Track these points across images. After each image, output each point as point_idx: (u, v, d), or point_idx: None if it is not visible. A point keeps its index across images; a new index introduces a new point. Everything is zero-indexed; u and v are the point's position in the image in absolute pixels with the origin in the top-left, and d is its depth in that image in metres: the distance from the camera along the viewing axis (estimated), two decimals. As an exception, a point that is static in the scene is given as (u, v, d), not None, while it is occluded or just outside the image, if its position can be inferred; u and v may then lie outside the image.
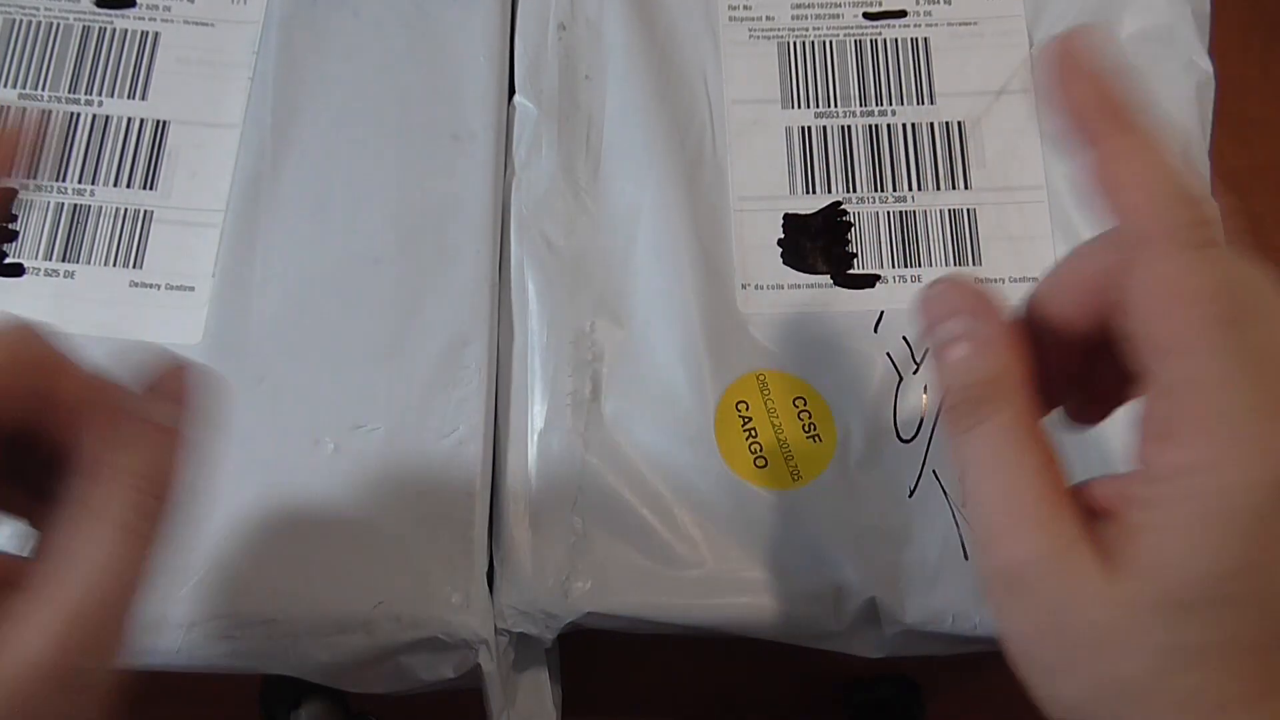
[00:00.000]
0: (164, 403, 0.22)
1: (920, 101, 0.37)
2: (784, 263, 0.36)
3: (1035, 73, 0.22)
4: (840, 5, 0.38)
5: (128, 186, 0.36)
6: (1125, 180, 0.20)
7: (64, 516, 0.20)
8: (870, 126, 0.37)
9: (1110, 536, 0.20)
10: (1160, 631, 0.19)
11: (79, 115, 0.36)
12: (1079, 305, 0.22)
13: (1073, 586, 0.20)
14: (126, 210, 0.36)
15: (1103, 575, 0.20)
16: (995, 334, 0.22)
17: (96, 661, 0.20)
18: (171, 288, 0.35)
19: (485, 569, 0.33)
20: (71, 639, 0.19)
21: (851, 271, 0.35)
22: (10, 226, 0.35)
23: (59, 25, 0.37)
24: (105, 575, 0.20)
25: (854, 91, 0.37)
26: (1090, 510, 0.21)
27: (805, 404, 0.34)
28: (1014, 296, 0.34)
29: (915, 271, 0.35)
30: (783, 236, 0.36)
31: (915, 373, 0.34)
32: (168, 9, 0.38)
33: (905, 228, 0.36)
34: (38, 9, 0.38)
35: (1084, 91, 0.21)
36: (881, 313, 0.35)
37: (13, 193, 0.35)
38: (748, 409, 0.34)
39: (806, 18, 0.38)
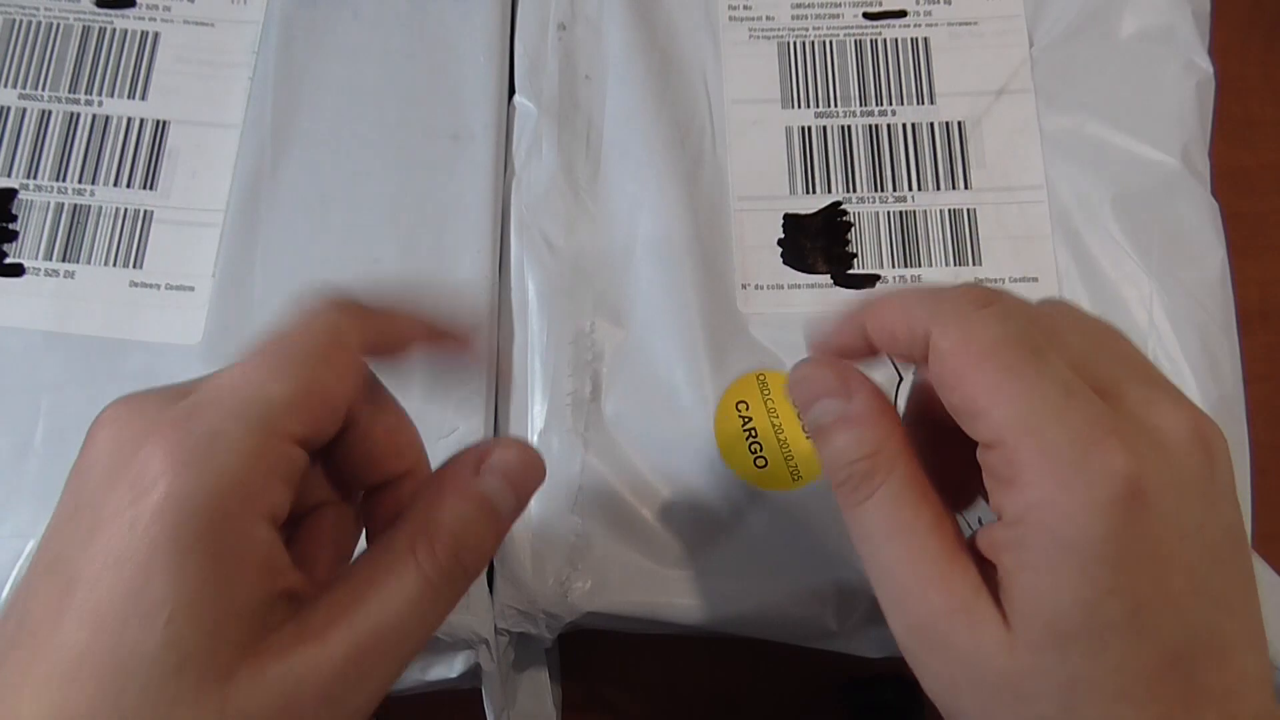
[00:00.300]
0: (500, 482, 0.23)
1: (920, 101, 0.37)
2: (784, 263, 0.36)
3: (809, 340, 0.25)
4: (840, 5, 0.38)
5: (128, 186, 0.36)
6: (884, 327, 0.23)
7: (376, 551, 0.21)
8: (870, 126, 0.37)
9: (999, 584, 0.20)
10: (1057, 669, 0.19)
11: (79, 115, 0.36)
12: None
13: (980, 638, 0.20)
14: (126, 210, 0.36)
15: (1001, 624, 0.20)
16: (867, 409, 0.23)
17: (362, 693, 0.20)
18: (171, 288, 0.35)
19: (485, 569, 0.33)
20: (350, 667, 0.20)
21: (851, 271, 0.35)
22: (10, 226, 0.35)
23: (59, 25, 0.37)
24: (399, 621, 0.21)
25: (854, 91, 0.37)
26: (982, 560, 0.21)
27: (805, 404, 0.34)
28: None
29: (915, 271, 0.35)
30: (783, 236, 0.36)
31: (915, 372, 0.34)
32: (168, 9, 0.38)
33: (905, 228, 0.36)
34: (38, 9, 0.38)
35: (833, 339, 0.24)
36: (881, 313, 0.35)
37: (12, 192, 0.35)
38: (748, 409, 0.33)
39: (806, 18, 0.38)
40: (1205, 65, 0.37)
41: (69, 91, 0.37)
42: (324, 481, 0.24)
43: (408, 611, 0.21)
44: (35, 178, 0.36)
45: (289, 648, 0.19)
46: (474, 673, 0.32)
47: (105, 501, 0.19)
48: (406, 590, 0.21)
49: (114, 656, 0.18)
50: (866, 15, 0.38)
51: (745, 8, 0.38)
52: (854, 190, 0.36)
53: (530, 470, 0.23)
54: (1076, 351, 0.21)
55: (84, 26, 0.37)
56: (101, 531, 0.19)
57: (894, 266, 0.35)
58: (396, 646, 0.21)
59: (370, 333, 0.22)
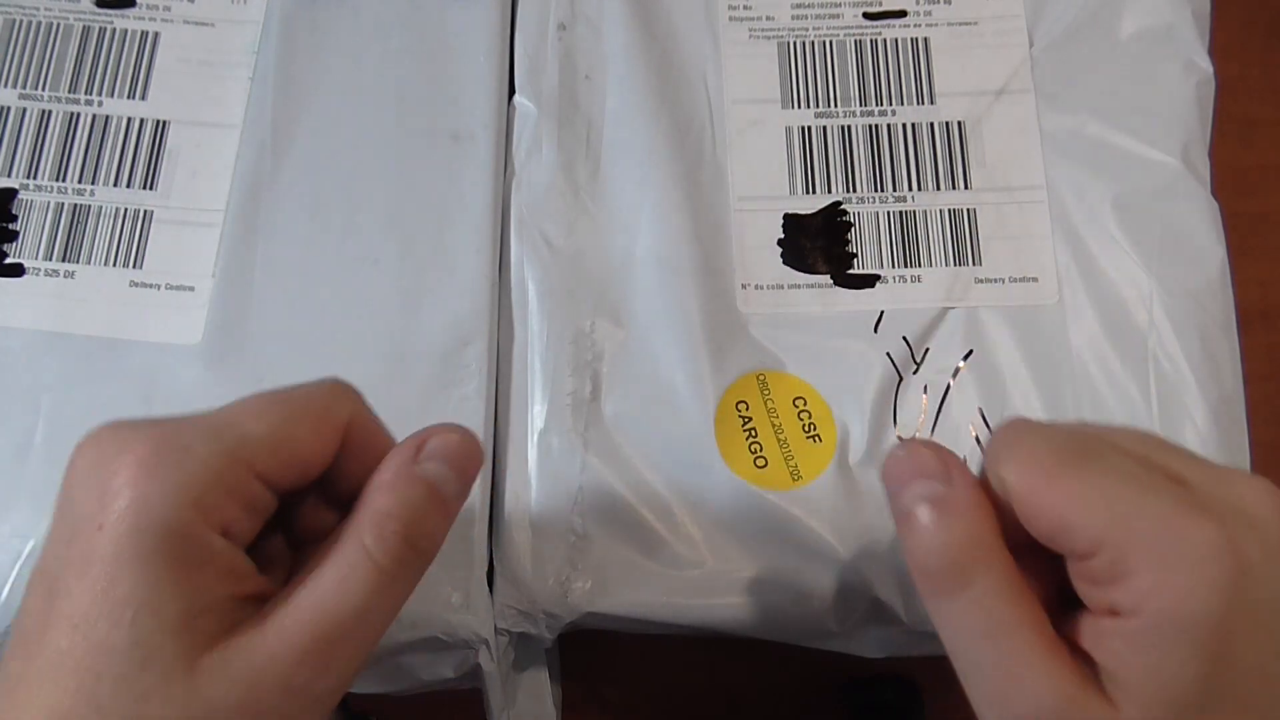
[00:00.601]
0: (442, 466, 0.23)
1: (920, 101, 0.37)
2: (784, 263, 0.36)
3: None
4: (840, 5, 0.38)
5: (128, 186, 0.36)
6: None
7: (330, 544, 0.22)
8: (870, 126, 0.37)
9: (1101, 671, 0.21)
10: None
11: (79, 115, 0.36)
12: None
13: None
14: (127, 210, 0.36)
15: (1111, 711, 0.20)
16: (967, 497, 0.22)
17: (324, 682, 0.21)
18: (171, 288, 0.35)
19: (485, 569, 0.33)
20: (309, 655, 0.21)
21: (851, 271, 0.35)
22: (10, 227, 0.35)
23: (59, 25, 0.37)
24: (353, 606, 0.21)
25: (854, 91, 0.37)
26: (1074, 648, 0.21)
27: (805, 404, 0.34)
28: (1015, 296, 0.35)
29: (915, 271, 0.35)
30: (783, 236, 0.36)
31: (915, 373, 0.34)
32: (168, 9, 0.38)
33: (905, 228, 0.36)
34: (38, 9, 0.38)
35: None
36: (881, 313, 0.35)
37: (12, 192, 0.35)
38: (748, 409, 0.34)
39: (806, 18, 0.38)
40: (1205, 65, 0.37)
41: (69, 91, 0.37)
42: (325, 510, 0.25)
43: (364, 600, 0.21)
44: (35, 178, 0.36)
45: (251, 642, 0.21)
46: (474, 673, 0.32)
47: (81, 510, 0.20)
48: (360, 579, 0.22)
49: (89, 654, 0.20)
50: (866, 15, 0.38)
51: (745, 8, 0.38)
52: (854, 190, 0.36)
53: (468, 451, 0.24)
54: (1131, 450, 0.22)
55: (84, 26, 0.37)
56: (77, 538, 0.20)
57: (894, 266, 0.35)
58: (356, 635, 0.22)
59: (357, 425, 0.24)
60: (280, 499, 0.23)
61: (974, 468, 0.27)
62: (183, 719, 0.20)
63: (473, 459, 0.24)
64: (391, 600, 0.22)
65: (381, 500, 0.23)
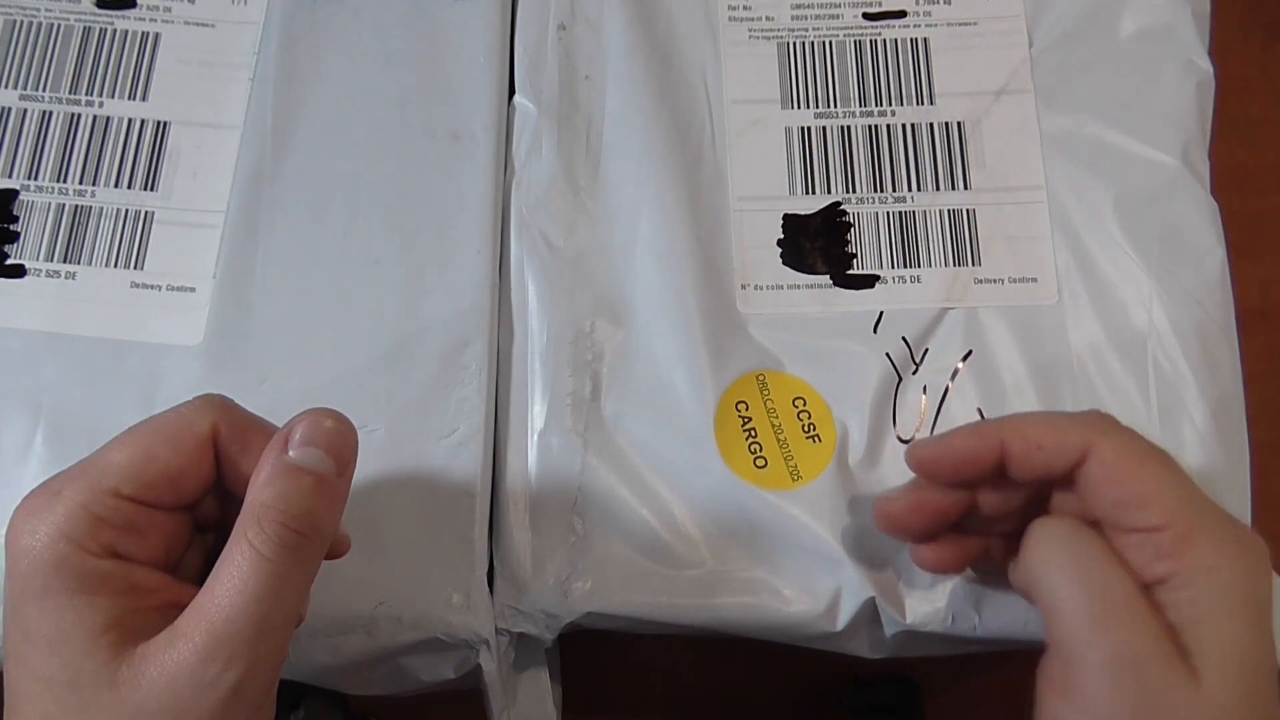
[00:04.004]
0: (307, 449, 0.25)
1: (920, 102, 0.37)
2: (784, 263, 0.36)
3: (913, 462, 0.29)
4: (840, 5, 0.38)
5: (129, 187, 0.36)
6: (1030, 438, 0.27)
7: (225, 549, 0.24)
8: (870, 127, 0.37)
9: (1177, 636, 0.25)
10: (1243, 704, 0.24)
11: (80, 116, 0.36)
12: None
13: (1170, 681, 0.24)
14: (127, 211, 0.36)
15: (1187, 674, 0.24)
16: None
17: (234, 673, 0.23)
18: (173, 289, 0.35)
19: (485, 569, 0.33)
20: (209, 651, 0.22)
21: (851, 272, 0.35)
22: (12, 228, 0.35)
23: (60, 26, 0.37)
24: (245, 599, 0.23)
25: (854, 92, 0.37)
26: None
27: (805, 404, 0.34)
28: (1014, 297, 0.35)
29: (915, 272, 0.35)
30: (782, 236, 0.36)
31: (914, 373, 0.34)
32: (168, 10, 0.38)
33: (905, 228, 0.36)
34: (38, 10, 0.38)
35: (959, 445, 0.28)
36: (881, 313, 0.35)
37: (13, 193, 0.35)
38: (748, 409, 0.34)
39: (806, 18, 0.38)
40: (1205, 65, 0.37)
41: (70, 92, 0.37)
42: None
43: (254, 590, 0.23)
44: (36, 179, 0.36)
45: (158, 647, 0.23)
46: (474, 673, 0.32)
47: (4, 571, 0.24)
48: (245, 571, 0.23)
49: (34, 682, 0.23)
50: (866, 16, 0.38)
51: (745, 8, 0.38)
52: (854, 191, 0.36)
53: (337, 429, 0.25)
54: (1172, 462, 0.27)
55: (84, 27, 0.37)
56: (5, 597, 0.23)
57: (893, 267, 0.35)
58: (256, 625, 0.23)
59: (229, 431, 0.25)
60: (191, 513, 0.26)
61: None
62: None
63: (342, 435, 0.25)
64: (288, 585, 0.23)
65: (257, 494, 0.24)
